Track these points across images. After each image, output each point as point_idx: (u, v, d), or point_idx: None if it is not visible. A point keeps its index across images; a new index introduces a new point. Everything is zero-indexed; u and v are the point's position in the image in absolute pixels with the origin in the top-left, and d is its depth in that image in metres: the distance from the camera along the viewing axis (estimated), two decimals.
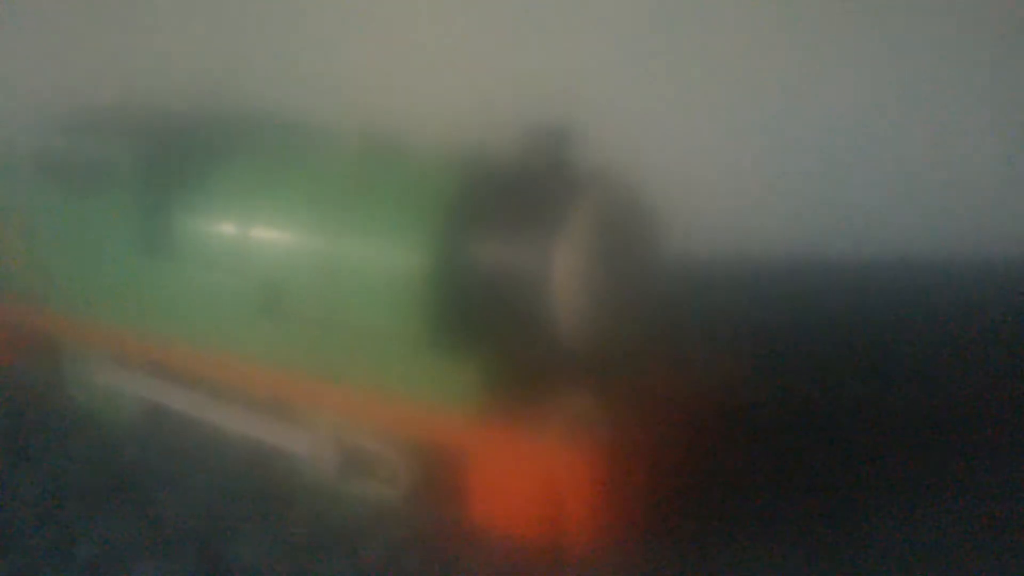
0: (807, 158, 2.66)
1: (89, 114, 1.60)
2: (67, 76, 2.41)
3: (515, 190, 1.21)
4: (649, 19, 2.61)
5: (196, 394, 1.49)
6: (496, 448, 1.14)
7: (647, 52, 2.60)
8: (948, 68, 2.61)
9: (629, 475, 1.12)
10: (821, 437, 1.49)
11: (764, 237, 2.47)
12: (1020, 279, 2.41)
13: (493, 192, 1.22)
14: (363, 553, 1.19)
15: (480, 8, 2.60)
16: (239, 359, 1.37)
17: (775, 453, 1.42)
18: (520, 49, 2.56)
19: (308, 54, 2.54)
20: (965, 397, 1.66)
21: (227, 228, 1.39)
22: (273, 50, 2.57)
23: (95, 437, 1.52)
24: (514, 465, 1.12)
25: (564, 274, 1.13)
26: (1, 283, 1.70)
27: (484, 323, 1.19)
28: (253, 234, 1.36)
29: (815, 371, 1.75)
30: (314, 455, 1.34)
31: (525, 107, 1.31)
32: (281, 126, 1.57)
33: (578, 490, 1.09)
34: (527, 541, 1.14)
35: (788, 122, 2.63)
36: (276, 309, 1.32)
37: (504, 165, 1.25)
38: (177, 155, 1.46)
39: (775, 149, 2.64)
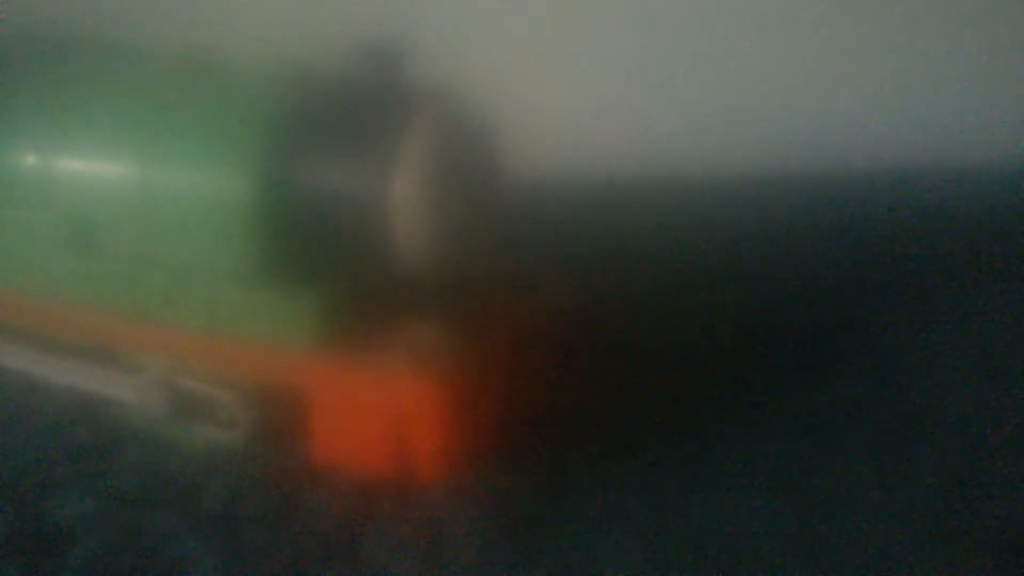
0: (656, 77, 2.66)
1: None
2: None
3: (349, 111, 1.14)
4: None
5: (9, 343, 1.37)
6: (338, 384, 1.09)
7: None
8: None
9: (477, 405, 1.10)
10: (672, 359, 1.51)
11: (610, 158, 2.47)
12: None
13: (325, 113, 1.14)
14: (200, 503, 1.13)
15: None
16: (56, 303, 1.26)
17: (624, 377, 1.43)
18: None
19: None
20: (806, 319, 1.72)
21: (29, 158, 1.26)
22: None
23: None
24: (358, 401, 1.08)
25: (403, 199, 1.08)
26: None
27: (318, 254, 1.13)
28: (60, 164, 1.24)
29: (662, 293, 1.77)
30: (143, 402, 1.25)
31: (357, 21, 1.23)
32: (89, 44, 1.43)
33: (426, 423, 1.06)
34: (375, 478, 1.10)
35: (636, 41, 2.62)
36: (90, 246, 1.22)
37: (336, 84, 1.17)
38: None
39: (623, 68, 2.62)
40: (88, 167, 1.22)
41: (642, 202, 2.36)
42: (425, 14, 1.50)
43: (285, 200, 1.11)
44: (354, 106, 1.14)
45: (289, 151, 1.12)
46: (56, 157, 1.24)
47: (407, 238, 1.09)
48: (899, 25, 2.70)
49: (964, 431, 1.30)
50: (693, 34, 2.65)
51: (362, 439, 1.08)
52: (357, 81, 1.16)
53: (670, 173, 2.53)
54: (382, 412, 1.06)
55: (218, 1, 2.08)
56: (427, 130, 1.10)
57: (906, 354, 1.53)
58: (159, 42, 1.33)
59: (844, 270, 1.93)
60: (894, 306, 1.72)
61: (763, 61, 2.68)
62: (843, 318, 1.68)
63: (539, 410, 1.22)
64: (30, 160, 1.26)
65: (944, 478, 1.19)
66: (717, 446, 1.26)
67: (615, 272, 1.82)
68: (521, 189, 1.23)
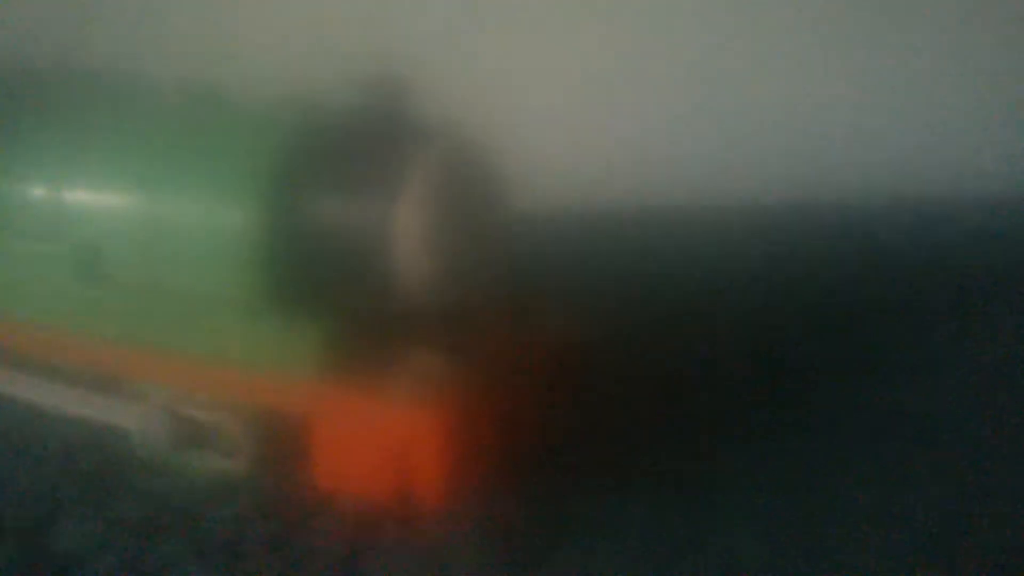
0: (654, 108, 2.68)
1: None
2: None
3: (352, 143, 1.16)
4: None
5: (13, 371, 1.37)
6: (341, 413, 1.10)
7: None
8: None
9: (479, 434, 1.10)
10: (674, 387, 1.52)
11: (611, 189, 2.49)
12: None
13: (329, 146, 1.16)
14: (204, 530, 1.13)
15: None
16: (59, 332, 1.27)
17: (626, 405, 1.43)
18: None
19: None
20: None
21: (37, 189, 1.28)
22: None
23: None
24: (361, 430, 1.09)
25: (406, 231, 1.10)
26: None
27: (322, 284, 1.14)
28: (67, 194, 1.26)
29: (662, 322, 1.78)
30: (147, 430, 1.26)
31: (361, 56, 1.25)
32: (97, 78, 1.45)
33: (428, 450, 1.06)
34: (378, 506, 1.11)
35: (637, 74, 2.64)
36: (98, 276, 1.23)
37: (339, 117, 1.19)
38: None
39: (623, 100, 2.64)
40: (95, 198, 1.24)
41: (643, 232, 2.38)
42: (427, 49, 1.53)
43: (289, 230, 1.13)
44: (357, 139, 1.16)
45: (293, 182, 1.14)
46: (64, 188, 1.26)
47: (410, 268, 1.11)
48: (904, 50, 2.73)
49: (974, 468, 1.30)
50: (696, 67, 2.69)
51: (365, 467, 1.09)
52: (360, 115, 1.18)
53: (670, 204, 2.55)
54: (385, 440, 1.07)
55: (226, 36, 2.11)
56: (429, 162, 1.12)
57: (910, 384, 1.54)
58: (166, 76, 1.35)
59: (845, 298, 1.94)
60: (894, 338, 1.74)
61: (765, 92, 2.70)
62: (839, 349, 1.69)
63: (541, 437, 1.23)
64: (38, 191, 1.27)
65: (961, 529, 1.18)
66: (720, 476, 1.26)
67: (616, 301, 1.83)
68: (522, 220, 1.24)
